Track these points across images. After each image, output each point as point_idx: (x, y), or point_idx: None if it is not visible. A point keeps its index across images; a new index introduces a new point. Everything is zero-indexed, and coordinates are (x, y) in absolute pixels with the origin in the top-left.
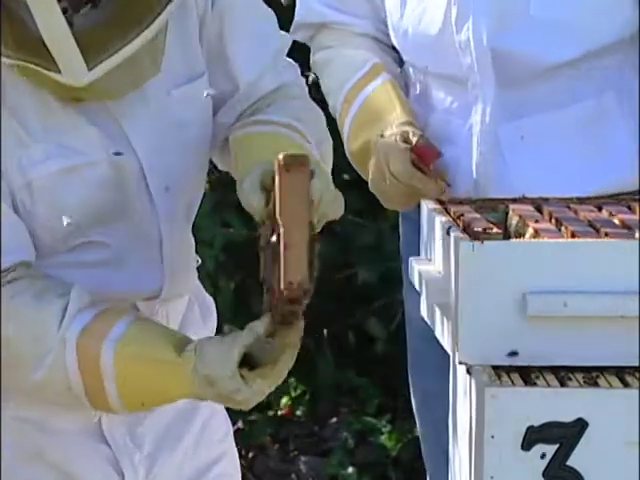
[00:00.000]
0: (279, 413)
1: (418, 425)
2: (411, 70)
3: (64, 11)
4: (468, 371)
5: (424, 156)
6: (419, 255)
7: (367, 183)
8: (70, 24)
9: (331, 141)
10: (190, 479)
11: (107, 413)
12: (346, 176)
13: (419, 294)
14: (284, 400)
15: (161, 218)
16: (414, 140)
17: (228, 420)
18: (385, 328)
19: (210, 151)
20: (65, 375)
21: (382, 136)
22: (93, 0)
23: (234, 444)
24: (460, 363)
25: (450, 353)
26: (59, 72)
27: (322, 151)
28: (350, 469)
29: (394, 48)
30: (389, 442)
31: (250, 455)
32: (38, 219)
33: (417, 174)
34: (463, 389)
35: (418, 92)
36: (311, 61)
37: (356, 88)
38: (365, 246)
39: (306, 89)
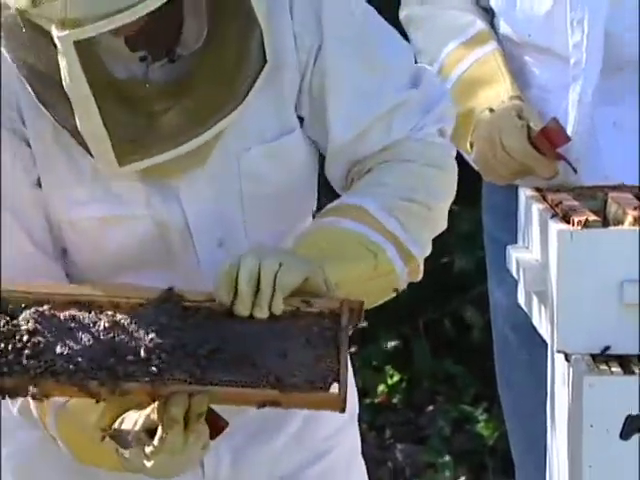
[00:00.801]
0: (376, 401)
1: (505, 415)
2: (507, 43)
3: (142, 59)
4: (566, 359)
5: (555, 138)
6: (504, 245)
7: (464, 170)
8: (145, 73)
9: (445, 199)
10: (287, 475)
11: None
12: None
13: (508, 283)
14: (381, 388)
15: (204, 275)
16: (530, 118)
17: (350, 411)
18: (481, 316)
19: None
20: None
21: (492, 109)
22: (171, 54)
23: (353, 435)
24: (558, 351)
25: (548, 341)
26: (92, 156)
27: (432, 212)
28: (446, 457)
29: (487, 11)
30: (486, 431)
31: None
32: (81, 254)
33: (533, 153)
34: (561, 378)
35: (513, 67)
36: (401, 15)
37: (459, 51)
38: (462, 234)
39: (431, 136)
